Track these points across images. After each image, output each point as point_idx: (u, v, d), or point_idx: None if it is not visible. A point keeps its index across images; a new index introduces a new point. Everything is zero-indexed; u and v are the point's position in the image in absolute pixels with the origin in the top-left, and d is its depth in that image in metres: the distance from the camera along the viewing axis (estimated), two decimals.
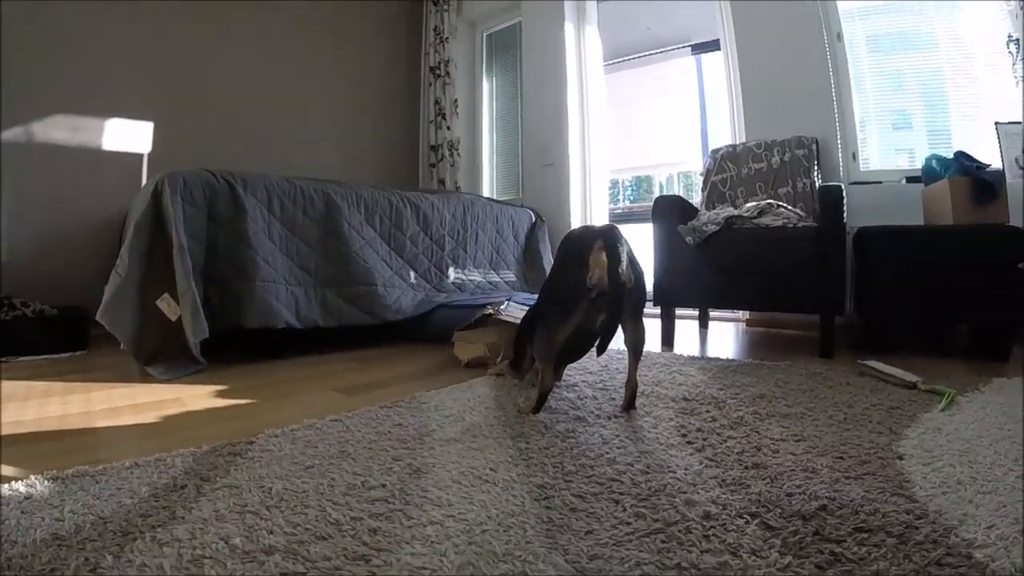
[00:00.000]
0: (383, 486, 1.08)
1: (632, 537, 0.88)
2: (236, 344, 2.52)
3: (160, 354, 2.23)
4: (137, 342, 2.20)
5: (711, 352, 2.63)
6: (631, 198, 5.97)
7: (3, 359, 2.52)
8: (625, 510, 0.97)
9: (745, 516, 0.94)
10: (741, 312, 3.77)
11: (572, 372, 2.05)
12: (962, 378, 1.91)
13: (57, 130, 3.39)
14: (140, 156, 3.52)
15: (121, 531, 0.91)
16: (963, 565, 0.79)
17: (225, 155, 3.85)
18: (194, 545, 0.87)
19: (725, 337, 3.26)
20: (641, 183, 5.90)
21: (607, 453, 1.25)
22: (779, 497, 1.00)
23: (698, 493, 1.03)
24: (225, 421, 1.62)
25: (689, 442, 1.33)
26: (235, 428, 1.50)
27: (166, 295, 2.26)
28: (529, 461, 1.21)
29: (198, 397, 1.90)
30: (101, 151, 3.55)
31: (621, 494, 1.04)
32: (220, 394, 1.95)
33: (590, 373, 2.07)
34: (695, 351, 2.66)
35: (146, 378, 2.13)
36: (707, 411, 1.58)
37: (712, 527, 0.91)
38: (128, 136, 3.59)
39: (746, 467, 1.16)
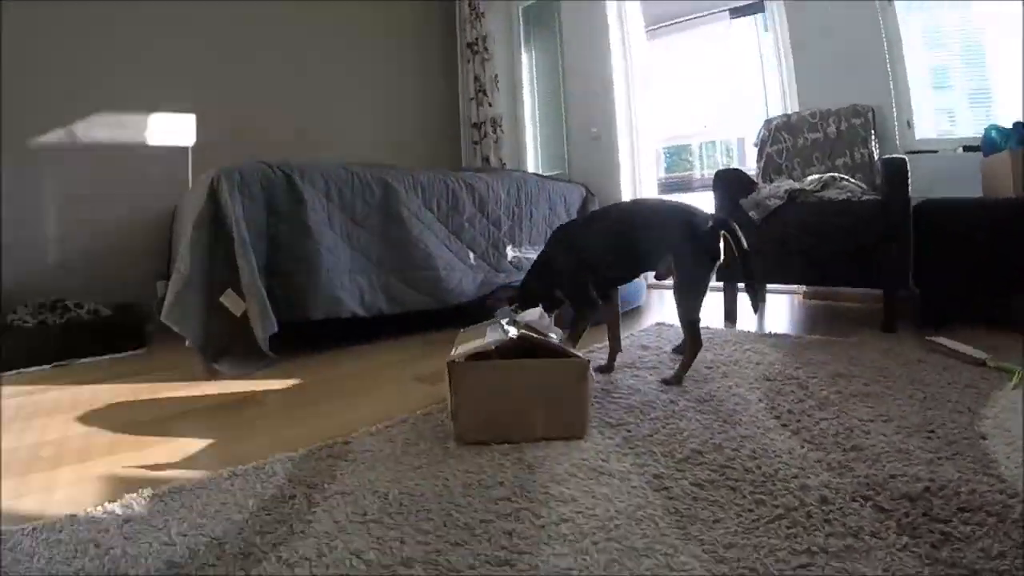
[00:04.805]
0: (501, 484, 1.06)
1: (759, 524, 0.91)
2: (299, 334, 2.46)
3: (228, 350, 2.21)
4: (204, 340, 2.18)
5: (770, 327, 2.64)
6: (667, 168, 5.81)
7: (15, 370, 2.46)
8: (745, 497, 1.00)
9: (858, 499, 0.99)
10: (797, 284, 3.71)
11: (635, 360, 2.05)
12: None
13: (99, 128, 3.38)
14: (185, 150, 3.52)
15: (242, 553, 0.86)
16: None
17: (266, 145, 3.81)
18: (326, 564, 0.82)
19: (780, 311, 3.26)
20: (679, 152, 5.71)
21: (711, 439, 1.29)
22: (884, 480, 1.06)
23: (809, 478, 1.08)
24: (310, 419, 1.58)
25: (784, 424, 1.38)
26: (323, 427, 1.45)
27: (230, 291, 2.22)
28: (636, 450, 1.23)
29: (274, 394, 1.85)
30: (144, 147, 3.54)
31: (736, 481, 1.07)
32: (296, 389, 1.90)
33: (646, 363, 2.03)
34: (753, 326, 2.68)
35: (213, 375, 2.09)
36: (792, 391, 1.64)
37: (830, 511, 0.95)
38: (171, 130, 3.58)
39: (845, 450, 1.21)
